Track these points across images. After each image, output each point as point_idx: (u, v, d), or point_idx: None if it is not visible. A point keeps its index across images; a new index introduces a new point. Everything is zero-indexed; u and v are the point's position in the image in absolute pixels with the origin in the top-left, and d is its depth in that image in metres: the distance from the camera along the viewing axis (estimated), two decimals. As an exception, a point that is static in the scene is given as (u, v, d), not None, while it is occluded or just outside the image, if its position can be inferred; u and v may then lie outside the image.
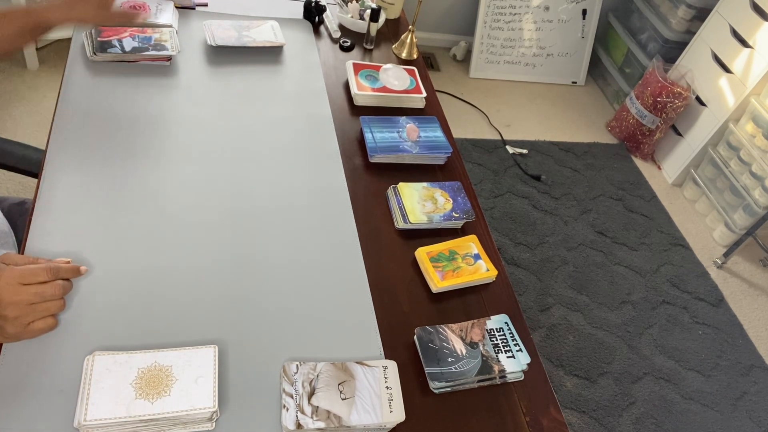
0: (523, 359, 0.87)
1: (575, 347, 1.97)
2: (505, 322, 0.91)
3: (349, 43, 1.44)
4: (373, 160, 1.14)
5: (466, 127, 2.77)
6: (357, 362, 0.80)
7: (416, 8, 1.41)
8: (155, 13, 1.29)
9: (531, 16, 2.97)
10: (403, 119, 1.21)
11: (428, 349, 0.85)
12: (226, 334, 0.82)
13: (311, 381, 0.76)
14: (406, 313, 0.92)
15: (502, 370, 0.85)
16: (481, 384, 0.85)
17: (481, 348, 0.87)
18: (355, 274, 0.94)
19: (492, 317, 0.92)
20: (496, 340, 0.88)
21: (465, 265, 0.98)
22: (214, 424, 0.72)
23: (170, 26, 1.27)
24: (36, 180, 0.95)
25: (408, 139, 1.17)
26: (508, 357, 0.87)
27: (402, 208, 1.04)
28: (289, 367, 0.78)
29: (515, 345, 0.88)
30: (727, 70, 2.45)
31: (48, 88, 2.29)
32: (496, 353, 0.87)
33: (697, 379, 1.97)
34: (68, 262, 0.78)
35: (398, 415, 0.76)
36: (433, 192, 1.08)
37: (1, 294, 0.68)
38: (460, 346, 0.86)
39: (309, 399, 0.74)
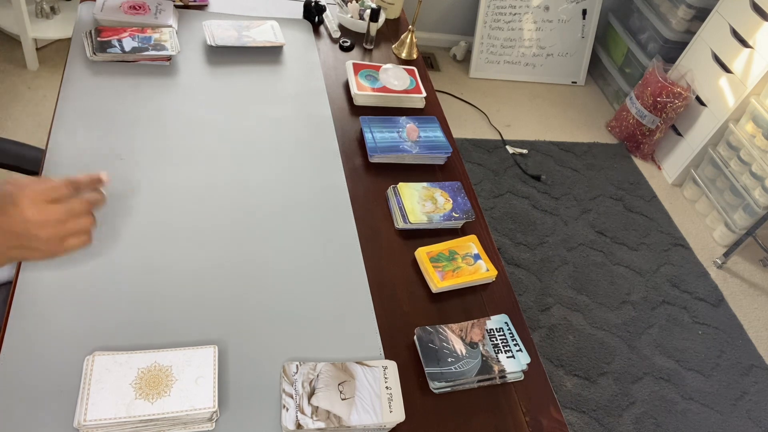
0: (523, 359, 0.87)
1: (575, 347, 1.97)
2: (505, 322, 0.91)
3: (349, 43, 1.44)
4: (373, 160, 1.14)
5: (466, 127, 2.76)
6: (357, 362, 0.80)
7: (416, 8, 1.41)
8: (155, 13, 1.29)
9: (531, 16, 2.97)
10: (403, 119, 1.21)
11: (428, 349, 0.85)
12: (226, 334, 0.81)
13: (311, 381, 0.76)
14: (406, 313, 0.92)
15: (502, 370, 0.85)
16: (481, 384, 0.85)
17: (481, 348, 0.87)
18: (355, 274, 0.94)
19: (492, 317, 0.92)
20: (496, 340, 0.88)
21: (465, 265, 0.98)
22: (214, 424, 0.72)
23: (170, 26, 1.27)
24: (36, 180, 0.95)
25: (408, 139, 1.17)
26: (508, 357, 0.86)
27: (402, 208, 1.03)
28: (289, 368, 0.78)
29: (515, 345, 0.88)
30: (727, 70, 2.45)
31: (48, 88, 2.29)
32: (496, 353, 0.87)
33: (697, 379, 1.97)
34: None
35: (398, 415, 0.76)
36: (433, 192, 1.08)
37: (29, 215, 0.64)
38: (460, 346, 0.86)
39: (309, 399, 0.74)
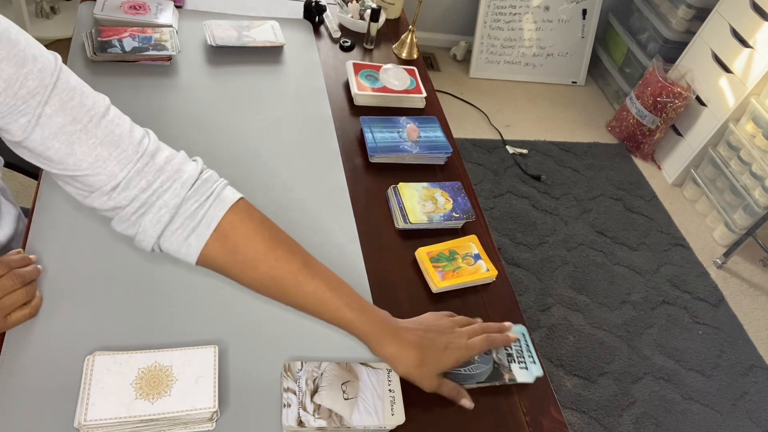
0: (536, 371, 0.85)
1: (575, 347, 1.97)
2: (523, 333, 0.90)
3: (349, 43, 1.43)
4: (373, 160, 1.14)
5: (466, 127, 2.77)
6: (362, 363, 0.80)
7: (416, 8, 1.41)
8: (155, 12, 1.29)
9: (531, 16, 2.97)
10: (403, 119, 1.21)
11: None
12: (226, 334, 0.81)
13: (315, 379, 0.76)
14: (407, 313, 0.91)
15: (512, 379, 0.84)
16: (481, 384, 0.85)
17: (495, 355, 0.86)
18: (355, 274, 0.94)
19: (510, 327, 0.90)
20: (511, 349, 0.87)
21: (465, 265, 0.98)
22: (214, 424, 0.72)
23: (170, 26, 1.27)
24: (36, 180, 0.95)
25: (408, 139, 1.17)
26: (521, 368, 0.85)
27: (402, 208, 1.03)
28: (294, 365, 0.78)
29: (530, 357, 0.87)
30: (727, 70, 2.45)
31: (48, 88, 2.29)
32: (509, 362, 0.85)
33: (697, 379, 1.97)
34: (18, 253, 0.78)
35: (399, 418, 0.76)
36: (433, 192, 1.08)
37: None
38: None
39: (312, 397, 0.74)
